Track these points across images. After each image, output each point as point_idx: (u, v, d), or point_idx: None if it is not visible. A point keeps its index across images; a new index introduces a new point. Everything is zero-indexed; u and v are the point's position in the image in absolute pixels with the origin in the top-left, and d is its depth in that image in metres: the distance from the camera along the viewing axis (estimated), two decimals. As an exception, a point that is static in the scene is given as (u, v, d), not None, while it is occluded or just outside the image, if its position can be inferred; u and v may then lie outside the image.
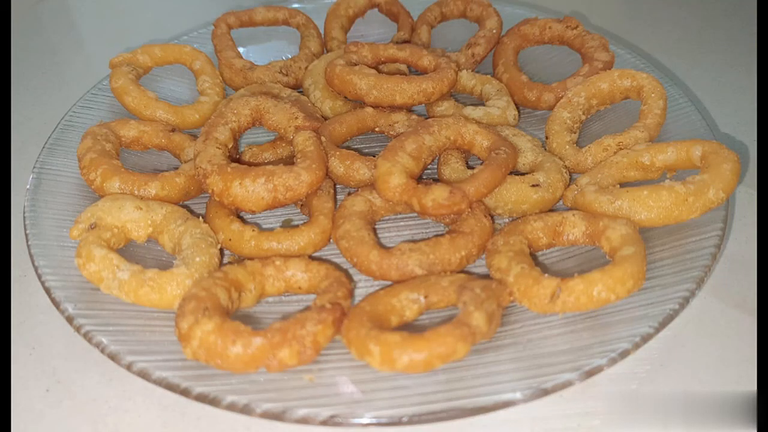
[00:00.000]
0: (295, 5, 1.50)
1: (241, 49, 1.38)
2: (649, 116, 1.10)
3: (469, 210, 0.98)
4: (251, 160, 1.18)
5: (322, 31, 1.41)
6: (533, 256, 0.99)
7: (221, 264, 0.97)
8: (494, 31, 1.33)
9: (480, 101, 1.27)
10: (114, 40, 1.67)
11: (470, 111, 1.17)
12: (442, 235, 0.96)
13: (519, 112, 1.22)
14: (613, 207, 0.95)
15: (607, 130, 1.19)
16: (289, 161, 1.08)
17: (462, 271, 0.98)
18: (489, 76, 1.26)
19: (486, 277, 0.94)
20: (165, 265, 0.95)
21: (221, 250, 1.00)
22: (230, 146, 1.11)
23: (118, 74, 1.19)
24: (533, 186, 1.02)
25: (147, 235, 0.97)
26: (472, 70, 1.30)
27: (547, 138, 1.15)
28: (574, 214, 0.96)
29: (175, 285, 0.87)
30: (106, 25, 1.79)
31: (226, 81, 1.32)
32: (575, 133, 1.16)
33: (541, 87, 1.23)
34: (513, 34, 1.34)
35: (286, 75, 1.30)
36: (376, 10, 1.45)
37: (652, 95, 1.12)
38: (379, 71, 1.20)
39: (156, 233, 0.99)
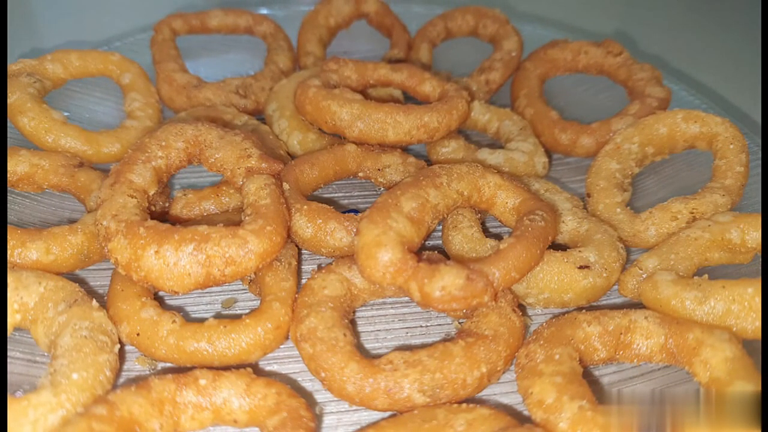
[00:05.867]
0: (263, 11, 1.33)
1: (189, 62, 1.18)
2: (728, 175, 0.91)
3: (492, 302, 0.75)
4: (183, 213, 0.90)
5: (295, 44, 1.26)
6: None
7: (117, 378, 0.71)
8: (513, 53, 1.19)
9: (496, 142, 1.10)
10: (16, 39, 1.37)
11: (486, 155, 0.99)
12: (451, 338, 0.76)
13: (549, 158, 1.05)
14: (704, 310, 0.72)
15: (665, 188, 1.01)
16: (238, 216, 0.87)
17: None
18: (508, 110, 1.10)
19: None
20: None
21: (122, 352, 0.74)
22: (152, 193, 0.83)
23: (15, 86, 0.98)
24: (581, 268, 0.80)
25: (13, 325, 0.73)
26: (486, 101, 1.15)
27: (589, 196, 0.95)
28: (647, 317, 0.74)
29: (28, 427, 0.59)
30: (9, 15, 1.40)
31: (164, 101, 1.12)
32: (627, 191, 0.95)
33: (577, 127, 1.05)
34: (538, 58, 1.18)
35: (244, 96, 1.10)
36: (364, 21, 1.31)
37: (731, 147, 0.93)
38: (367, 97, 1.03)
39: (26, 321, 0.73)
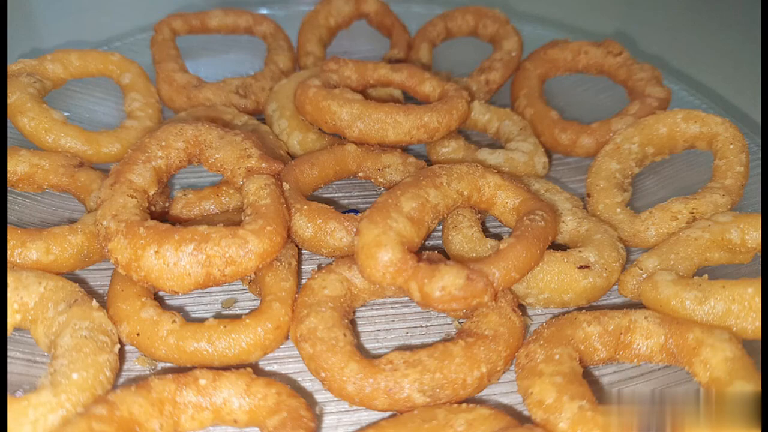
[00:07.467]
0: (263, 11, 1.32)
1: (189, 62, 1.18)
2: (728, 175, 0.90)
3: (492, 302, 0.75)
4: (183, 213, 0.89)
5: (295, 44, 1.25)
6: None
7: (117, 378, 0.70)
8: (513, 53, 1.18)
9: (496, 142, 1.09)
10: (16, 39, 1.35)
11: (486, 155, 0.98)
12: (451, 338, 0.75)
13: (549, 158, 1.04)
14: (704, 310, 0.71)
15: (665, 188, 1.00)
16: (238, 216, 0.86)
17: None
18: (508, 110, 1.08)
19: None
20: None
21: (122, 352, 0.73)
22: (152, 193, 0.82)
23: (15, 86, 0.97)
24: (581, 268, 0.79)
25: (13, 325, 0.73)
26: (486, 101, 1.14)
27: (589, 196, 0.94)
28: (647, 317, 0.73)
29: (28, 426, 0.58)
30: (9, 15, 1.39)
31: (164, 101, 1.11)
32: (627, 191, 0.94)
33: (577, 127, 1.04)
34: (538, 58, 1.16)
35: (244, 96, 1.09)
36: (364, 21, 1.30)
37: (731, 147, 0.92)
38: (367, 97, 1.02)
39: (27, 321, 0.73)
